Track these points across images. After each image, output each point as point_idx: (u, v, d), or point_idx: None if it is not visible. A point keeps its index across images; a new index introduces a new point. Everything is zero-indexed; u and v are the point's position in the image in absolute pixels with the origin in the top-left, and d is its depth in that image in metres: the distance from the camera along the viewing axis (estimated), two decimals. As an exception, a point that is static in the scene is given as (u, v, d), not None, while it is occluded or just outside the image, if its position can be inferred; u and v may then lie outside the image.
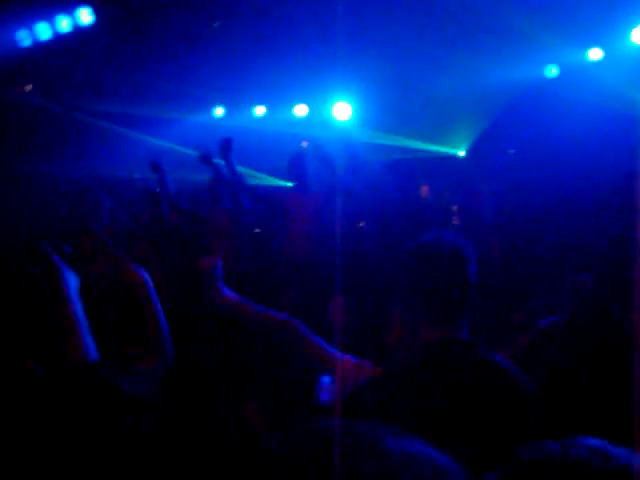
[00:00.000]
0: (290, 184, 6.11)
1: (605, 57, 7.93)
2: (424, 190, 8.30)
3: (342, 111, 8.70)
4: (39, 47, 8.18)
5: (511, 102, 8.81)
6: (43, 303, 2.34)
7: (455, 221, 5.89)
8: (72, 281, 2.25)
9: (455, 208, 6.73)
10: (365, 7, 6.66)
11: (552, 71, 8.45)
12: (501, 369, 1.89)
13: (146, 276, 2.53)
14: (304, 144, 11.25)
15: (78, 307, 2.20)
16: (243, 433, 2.64)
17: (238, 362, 3.55)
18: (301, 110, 10.07)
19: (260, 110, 10.45)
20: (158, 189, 6.34)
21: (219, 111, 10.74)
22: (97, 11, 7.92)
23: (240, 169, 6.34)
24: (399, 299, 2.03)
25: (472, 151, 10.13)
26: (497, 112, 9.17)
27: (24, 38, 8.10)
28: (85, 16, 7.95)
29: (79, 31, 8.08)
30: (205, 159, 6.00)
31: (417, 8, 7.20)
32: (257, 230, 7.21)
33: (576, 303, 3.63)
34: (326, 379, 1.99)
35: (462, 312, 1.96)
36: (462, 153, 10.38)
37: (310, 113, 10.03)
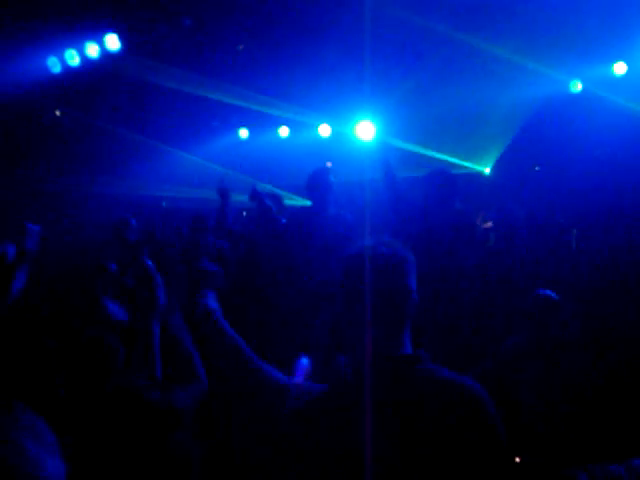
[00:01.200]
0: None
1: (629, 71, 7.88)
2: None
3: (365, 130, 8.72)
4: (68, 73, 8.39)
5: (534, 118, 8.78)
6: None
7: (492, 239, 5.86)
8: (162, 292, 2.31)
9: (489, 225, 6.67)
10: (388, 26, 6.71)
11: (577, 87, 8.40)
12: (447, 381, 1.75)
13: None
14: (329, 164, 11.32)
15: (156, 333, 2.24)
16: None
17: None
18: (325, 130, 10.14)
19: (284, 131, 10.55)
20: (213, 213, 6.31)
21: (243, 133, 10.86)
22: (124, 37, 8.09)
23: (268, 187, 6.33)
24: (338, 311, 1.88)
25: (497, 168, 10.08)
26: (519, 128, 9.13)
27: (54, 65, 8.31)
28: (113, 42, 8.14)
29: (107, 57, 8.28)
30: (254, 196, 5.84)
31: (441, 25, 7.23)
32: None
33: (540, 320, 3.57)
34: (304, 360, 1.96)
35: (403, 324, 1.82)
36: (487, 170, 10.34)
37: (333, 133, 10.09)
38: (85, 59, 8.28)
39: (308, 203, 5.37)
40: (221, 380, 1.98)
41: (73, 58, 8.30)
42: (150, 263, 2.30)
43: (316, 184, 5.31)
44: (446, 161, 10.00)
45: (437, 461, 1.64)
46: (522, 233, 5.39)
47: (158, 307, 2.29)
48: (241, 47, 8.20)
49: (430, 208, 5.09)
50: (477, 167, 10.29)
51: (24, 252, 2.09)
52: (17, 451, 0.91)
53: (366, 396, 1.74)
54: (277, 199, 5.94)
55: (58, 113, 9.85)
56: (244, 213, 10.55)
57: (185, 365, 2.43)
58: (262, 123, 10.42)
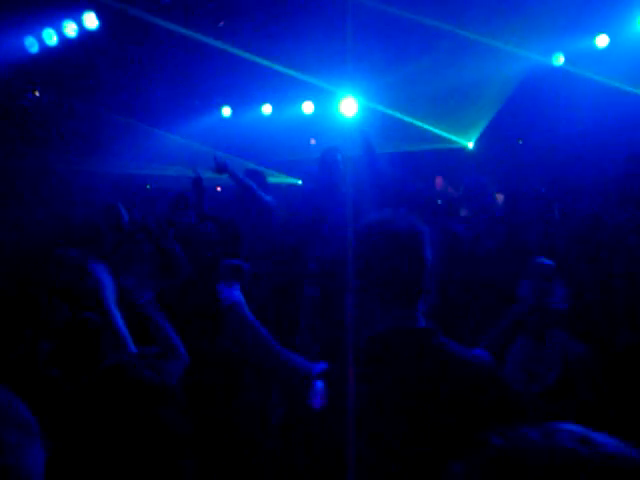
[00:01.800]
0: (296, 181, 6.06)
1: (611, 44, 7.89)
2: (439, 182, 8.28)
3: (349, 107, 8.70)
4: (46, 53, 8.26)
5: (517, 91, 8.79)
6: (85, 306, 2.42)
7: (463, 212, 5.89)
8: (109, 286, 2.33)
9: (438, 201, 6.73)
10: (369, 3, 6.67)
11: (559, 59, 8.41)
12: (459, 355, 1.78)
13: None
14: (312, 141, 11.30)
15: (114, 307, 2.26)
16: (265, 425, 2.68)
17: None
18: (308, 107, 10.09)
19: (267, 109, 10.49)
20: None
21: (226, 111, 10.78)
22: (102, 15, 7.97)
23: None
24: (354, 284, 1.87)
25: (480, 142, 10.11)
26: (503, 102, 9.14)
27: (32, 44, 8.17)
28: (90, 21, 8.01)
29: (85, 36, 8.15)
30: (220, 169, 5.81)
31: (420, 4, 7.20)
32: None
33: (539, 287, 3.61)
34: (319, 384, 1.98)
35: (418, 297, 1.82)
36: (471, 144, 10.36)
37: (316, 110, 10.05)
38: (63, 38, 8.16)
39: (293, 181, 5.37)
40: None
41: (51, 37, 8.17)
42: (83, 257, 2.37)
43: (327, 164, 5.30)
44: (430, 134, 10.01)
45: (454, 427, 1.66)
46: (493, 209, 5.45)
47: (102, 289, 2.33)
48: (222, 23, 8.11)
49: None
50: (461, 141, 10.31)
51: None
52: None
53: (381, 369, 1.76)
54: (259, 176, 5.92)
55: (37, 94, 9.71)
56: (218, 188, 10.54)
57: (163, 342, 2.47)
58: (245, 101, 10.34)
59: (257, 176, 5.69)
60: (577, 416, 3.10)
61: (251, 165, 8.63)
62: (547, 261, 3.72)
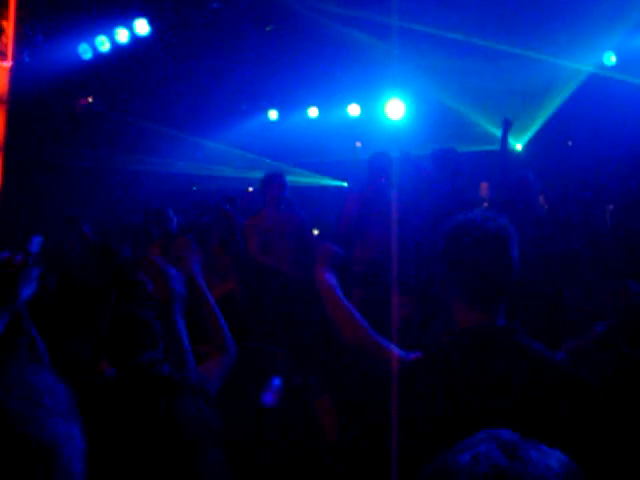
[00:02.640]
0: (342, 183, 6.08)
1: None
2: (484, 188, 8.19)
3: (395, 109, 8.69)
4: (99, 59, 8.48)
5: (571, 98, 8.63)
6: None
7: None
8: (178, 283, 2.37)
9: (485, 204, 6.67)
10: (418, 3, 6.64)
11: (611, 59, 8.23)
12: (543, 356, 1.78)
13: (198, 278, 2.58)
14: (358, 144, 11.30)
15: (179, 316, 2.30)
16: (312, 428, 2.68)
17: (310, 356, 3.59)
18: (354, 110, 10.10)
19: (313, 112, 10.53)
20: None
21: (273, 114, 10.88)
22: (153, 21, 8.14)
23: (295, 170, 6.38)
24: (438, 281, 1.90)
25: (530, 145, 9.96)
26: (556, 107, 8.99)
27: (85, 51, 8.40)
28: (142, 27, 8.19)
29: (136, 42, 8.34)
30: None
31: (471, 2, 7.14)
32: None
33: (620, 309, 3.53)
34: (276, 381, 1.97)
35: (502, 297, 1.84)
36: (519, 147, 10.21)
37: (363, 112, 10.05)
38: (115, 44, 8.36)
39: (339, 183, 5.39)
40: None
41: (103, 44, 8.38)
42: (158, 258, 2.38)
43: (378, 169, 5.30)
44: (478, 135, 9.89)
45: (539, 429, 1.65)
46: (537, 211, 5.38)
47: (175, 298, 2.33)
48: (269, 28, 8.19)
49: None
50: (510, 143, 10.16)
51: (28, 257, 2.17)
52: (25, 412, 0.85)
53: (467, 366, 1.77)
54: (278, 177, 5.90)
55: (90, 100, 9.97)
56: (250, 189, 10.66)
57: (215, 336, 2.50)
58: (292, 104, 10.42)
59: (276, 178, 5.72)
60: (629, 418, 3.02)
61: (294, 170, 8.69)
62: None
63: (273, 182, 5.63)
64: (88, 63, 8.45)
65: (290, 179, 5.94)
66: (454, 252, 1.85)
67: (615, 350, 3.13)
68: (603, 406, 1.75)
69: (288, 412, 2.70)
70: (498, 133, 9.79)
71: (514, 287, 1.87)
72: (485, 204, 7.03)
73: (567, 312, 4.14)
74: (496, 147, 9.95)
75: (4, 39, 7.38)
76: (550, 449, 0.91)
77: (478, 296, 1.83)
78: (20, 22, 7.42)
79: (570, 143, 9.68)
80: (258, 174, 6.10)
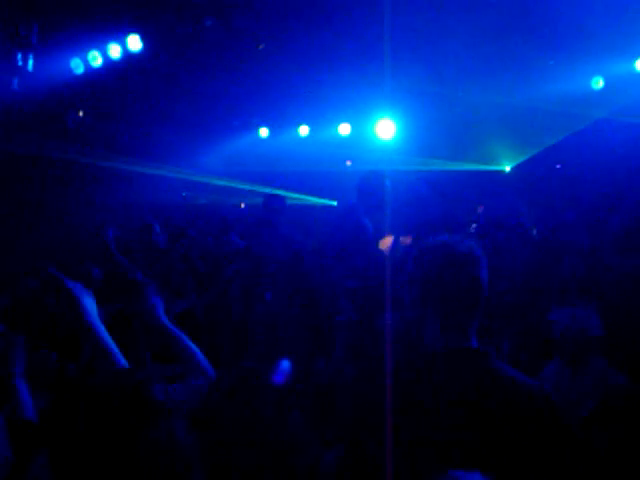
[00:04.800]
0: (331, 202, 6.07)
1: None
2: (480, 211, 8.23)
3: (385, 129, 8.73)
4: (91, 74, 8.48)
5: (570, 135, 8.75)
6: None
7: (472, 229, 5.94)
8: (89, 304, 2.34)
9: (473, 226, 6.72)
10: (409, 25, 6.70)
11: (599, 83, 8.34)
12: (515, 380, 1.80)
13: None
14: (348, 163, 11.35)
15: (99, 326, 2.28)
16: (287, 441, 2.67)
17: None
18: (344, 129, 10.15)
19: (304, 130, 10.58)
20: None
21: (264, 132, 10.91)
22: (145, 37, 8.16)
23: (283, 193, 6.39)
24: (409, 303, 1.92)
25: (519, 168, 10.05)
26: (545, 129, 9.07)
27: (77, 66, 8.40)
28: (134, 43, 8.20)
29: (129, 57, 8.35)
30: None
31: (461, 26, 7.21)
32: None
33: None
34: (285, 363, 2.00)
35: (473, 318, 1.86)
36: (508, 168, 10.30)
37: (354, 132, 10.10)
38: (107, 60, 8.37)
39: (328, 202, 5.38)
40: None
41: (96, 59, 8.38)
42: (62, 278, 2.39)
43: (371, 189, 5.20)
44: (466, 158, 9.99)
45: (507, 450, 1.68)
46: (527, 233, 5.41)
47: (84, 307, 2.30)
48: (261, 46, 8.23)
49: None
50: (497, 166, 10.26)
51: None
52: None
53: (437, 388, 1.79)
54: (279, 200, 5.88)
55: (81, 114, 9.96)
56: (242, 205, 10.68)
57: (189, 360, 2.48)
58: (282, 122, 10.45)
59: (277, 200, 5.69)
60: (610, 451, 3.02)
61: (279, 191, 8.69)
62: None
63: (271, 205, 5.55)
64: (80, 78, 8.46)
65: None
66: (425, 274, 1.87)
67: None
68: (574, 431, 1.77)
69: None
70: (489, 153, 9.93)
71: (485, 308, 1.89)
72: (473, 226, 7.07)
73: (551, 334, 4.15)
74: (488, 167, 10.09)
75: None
76: None
77: (450, 317, 1.85)
78: (13, 35, 7.42)
79: (559, 166, 9.77)
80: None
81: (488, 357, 1.84)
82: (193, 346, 2.50)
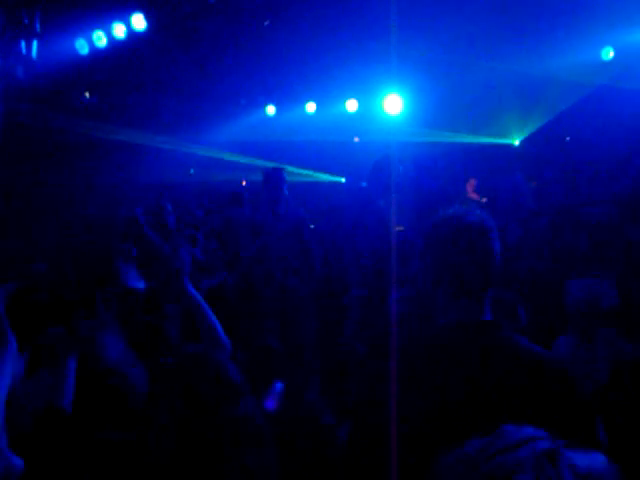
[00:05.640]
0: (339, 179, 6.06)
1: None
2: (471, 184, 8.24)
3: (393, 104, 8.67)
4: (96, 55, 8.45)
5: (575, 102, 8.65)
6: None
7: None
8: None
9: (484, 200, 6.71)
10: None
11: (609, 54, 8.23)
12: (529, 351, 1.78)
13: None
14: (356, 139, 11.30)
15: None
16: (309, 418, 2.70)
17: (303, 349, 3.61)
18: (352, 105, 10.08)
19: (311, 107, 10.51)
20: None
21: (271, 109, 10.85)
22: (149, 16, 8.10)
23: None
24: (422, 276, 1.92)
25: (528, 141, 9.97)
26: (555, 103, 8.98)
27: (82, 46, 8.37)
28: (139, 22, 8.15)
29: (133, 37, 8.31)
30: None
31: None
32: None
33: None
34: (278, 386, 1.98)
35: (487, 290, 1.85)
36: (517, 142, 10.22)
37: (361, 108, 10.03)
38: (112, 40, 8.32)
39: (336, 179, 5.38)
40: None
41: (100, 39, 8.34)
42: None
43: (378, 174, 5.23)
44: (476, 132, 9.91)
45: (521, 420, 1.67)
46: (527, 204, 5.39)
47: (184, 267, 2.44)
48: (267, 23, 8.17)
49: None
50: (505, 140, 10.18)
51: None
52: None
53: (449, 361, 1.78)
54: (278, 172, 5.85)
55: (87, 95, 9.94)
56: (243, 182, 10.68)
57: (208, 332, 2.52)
58: (289, 100, 10.39)
59: (276, 173, 5.64)
60: (625, 420, 3.03)
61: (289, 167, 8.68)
62: None
63: (270, 179, 5.48)
64: (85, 58, 8.42)
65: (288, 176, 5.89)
66: (437, 247, 1.87)
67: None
68: (589, 400, 1.77)
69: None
70: (499, 125, 9.85)
71: (499, 280, 1.88)
72: (484, 199, 7.04)
73: (564, 305, 4.15)
74: (498, 140, 10.02)
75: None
76: (589, 450, 0.91)
77: (462, 289, 1.83)
78: (17, 23, 7.39)
79: (568, 139, 9.68)
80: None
81: (502, 329, 1.83)
82: (214, 319, 2.55)
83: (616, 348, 3.85)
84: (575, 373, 1.81)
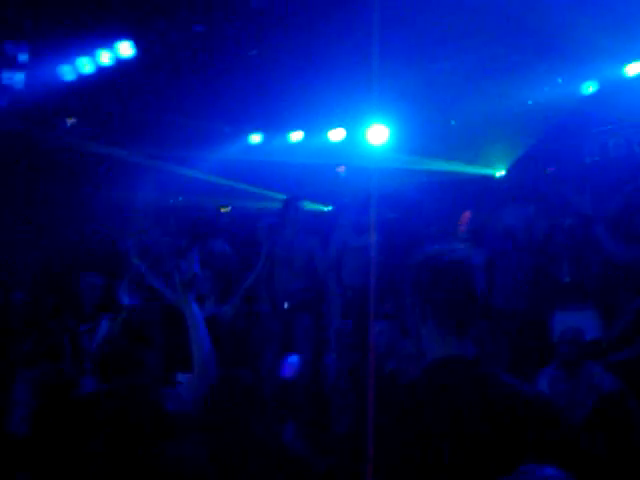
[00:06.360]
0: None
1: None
2: (465, 217, 8.23)
3: (378, 134, 8.71)
4: (82, 81, 8.43)
5: (552, 123, 8.74)
6: None
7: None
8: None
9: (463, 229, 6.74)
10: (401, 30, 6.69)
11: (589, 88, 8.35)
12: (513, 388, 1.81)
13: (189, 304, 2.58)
14: (341, 169, 11.32)
15: None
16: (282, 454, 2.64)
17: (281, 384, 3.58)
18: (337, 134, 10.11)
19: (297, 136, 10.53)
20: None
21: (256, 138, 10.86)
22: (136, 43, 8.12)
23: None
24: (408, 313, 1.96)
25: (511, 171, 10.03)
26: (536, 132, 9.08)
27: (67, 72, 8.35)
28: (125, 49, 8.16)
29: (120, 64, 8.30)
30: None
31: (453, 30, 7.21)
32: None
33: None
34: (293, 358, 2.00)
35: (471, 325, 1.89)
36: (500, 173, 10.27)
37: (347, 137, 10.07)
38: (98, 67, 8.32)
39: (322, 208, 5.36)
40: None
41: (86, 66, 8.33)
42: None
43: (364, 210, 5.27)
44: (458, 166, 9.97)
45: (505, 459, 1.66)
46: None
47: (193, 281, 2.51)
48: (253, 52, 8.21)
49: None
50: (490, 171, 10.24)
51: None
52: None
53: (437, 397, 1.80)
54: (295, 202, 5.88)
55: (71, 121, 9.90)
56: (228, 209, 10.63)
57: (200, 358, 2.47)
58: (274, 128, 10.41)
59: (293, 202, 5.69)
60: (607, 454, 3.00)
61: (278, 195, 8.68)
62: None
63: (288, 209, 5.61)
64: (70, 85, 8.40)
65: (271, 205, 5.92)
66: (424, 282, 1.90)
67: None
68: (573, 436, 1.80)
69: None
70: (481, 160, 9.92)
71: (483, 315, 1.96)
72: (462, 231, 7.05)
73: (551, 338, 4.14)
74: (479, 173, 10.09)
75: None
76: None
77: (446, 325, 1.87)
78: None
79: (549, 170, 9.76)
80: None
81: (484, 365, 1.86)
82: (209, 345, 2.52)
83: (600, 383, 3.83)
84: (559, 408, 1.83)
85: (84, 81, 8.45)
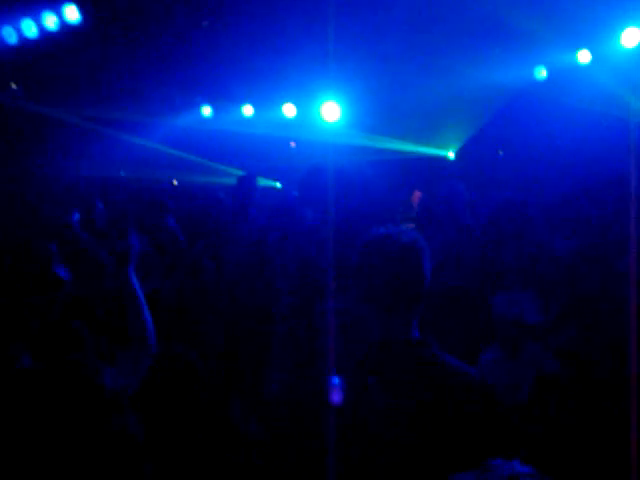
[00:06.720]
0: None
1: (594, 59, 7.93)
2: (416, 195, 8.28)
3: (331, 111, 8.66)
4: (26, 45, 8.10)
5: (502, 106, 8.83)
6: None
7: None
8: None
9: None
10: (356, 7, 6.64)
11: (541, 73, 8.44)
12: (455, 369, 1.85)
13: (128, 275, 2.52)
14: (292, 144, 11.26)
15: None
16: (228, 431, 2.63)
17: (228, 360, 3.56)
18: (289, 110, 10.01)
19: (248, 110, 10.39)
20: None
21: (207, 110, 10.66)
22: (83, 9, 7.84)
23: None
24: (353, 295, 1.96)
25: (462, 153, 10.13)
26: (488, 115, 9.17)
27: (10, 35, 8.01)
28: (71, 13, 7.87)
29: (66, 29, 8.01)
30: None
31: (408, 10, 7.18)
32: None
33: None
34: (335, 380, 2.01)
35: (416, 308, 1.91)
36: (452, 155, 10.38)
37: (299, 113, 9.99)
38: (43, 30, 8.01)
39: (272, 184, 5.30)
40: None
41: (30, 29, 8.01)
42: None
43: (310, 184, 5.15)
44: (410, 146, 10.02)
45: (444, 437, 1.72)
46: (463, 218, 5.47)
47: (132, 253, 2.45)
48: (205, 23, 8.03)
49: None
50: (442, 152, 10.32)
51: None
52: None
53: (377, 378, 1.83)
54: (251, 180, 5.77)
55: (14, 86, 9.53)
56: (175, 182, 10.49)
57: (139, 330, 2.43)
58: (226, 101, 10.26)
59: (248, 180, 5.59)
60: (545, 434, 3.07)
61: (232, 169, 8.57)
62: None
63: (242, 186, 5.45)
64: (12, 48, 8.06)
65: (223, 180, 5.82)
66: (369, 266, 1.91)
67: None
68: (507, 420, 1.86)
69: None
70: (433, 139, 9.98)
71: (428, 298, 1.94)
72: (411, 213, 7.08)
73: (491, 320, 4.19)
74: (430, 153, 10.16)
75: None
76: None
77: (392, 309, 1.88)
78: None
79: (501, 153, 9.89)
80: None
81: (429, 347, 1.88)
82: (149, 318, 2.47)
83: (540, 363, 3.90)
84: (496, 390, 1.88)
85: (28, 45, 8.12)
